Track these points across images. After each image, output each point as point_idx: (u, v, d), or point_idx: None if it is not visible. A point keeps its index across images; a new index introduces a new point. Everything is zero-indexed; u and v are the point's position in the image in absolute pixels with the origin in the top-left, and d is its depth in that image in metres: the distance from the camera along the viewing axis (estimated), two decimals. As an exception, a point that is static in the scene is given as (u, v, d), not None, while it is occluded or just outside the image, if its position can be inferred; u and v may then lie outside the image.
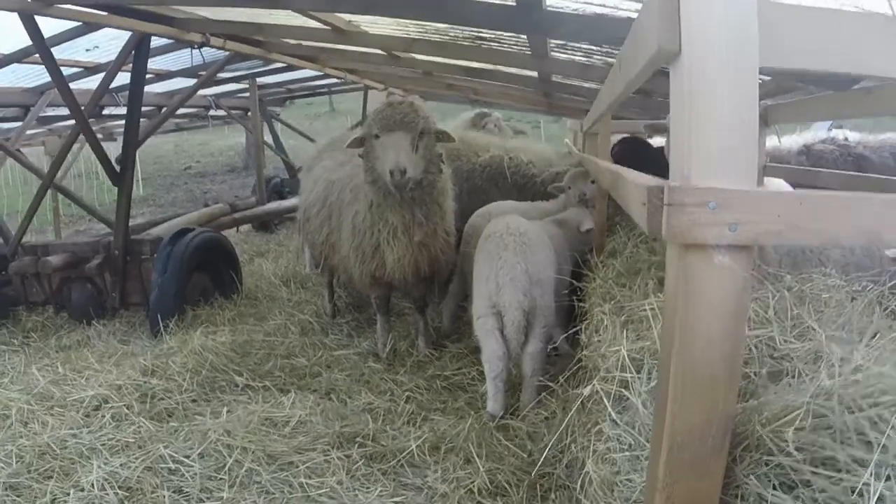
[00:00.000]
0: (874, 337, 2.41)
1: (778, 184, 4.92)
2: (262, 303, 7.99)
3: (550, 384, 4.82)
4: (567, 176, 6.67)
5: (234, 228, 11.86)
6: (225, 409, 5.03)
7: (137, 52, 7.43)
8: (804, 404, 1.86)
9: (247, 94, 13.75)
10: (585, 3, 4.40)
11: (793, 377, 2.35)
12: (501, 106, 15.24)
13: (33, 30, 6.61)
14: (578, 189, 6.39)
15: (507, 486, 3.99)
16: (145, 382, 5.48)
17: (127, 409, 5.09)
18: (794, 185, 5.23)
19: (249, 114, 14.75)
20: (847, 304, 2.87)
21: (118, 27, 6.85)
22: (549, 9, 4.29)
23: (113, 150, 19.01)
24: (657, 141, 8.12)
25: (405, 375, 5.69)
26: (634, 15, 4.43)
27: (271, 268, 9.71)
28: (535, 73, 7.58)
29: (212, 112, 15.06)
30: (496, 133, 10.81)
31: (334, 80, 13.67)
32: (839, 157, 7.83)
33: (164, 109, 13.72)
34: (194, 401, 5.31)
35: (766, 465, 1.96)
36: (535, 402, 4.86)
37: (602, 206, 5.82)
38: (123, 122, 13.82)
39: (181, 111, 13.76)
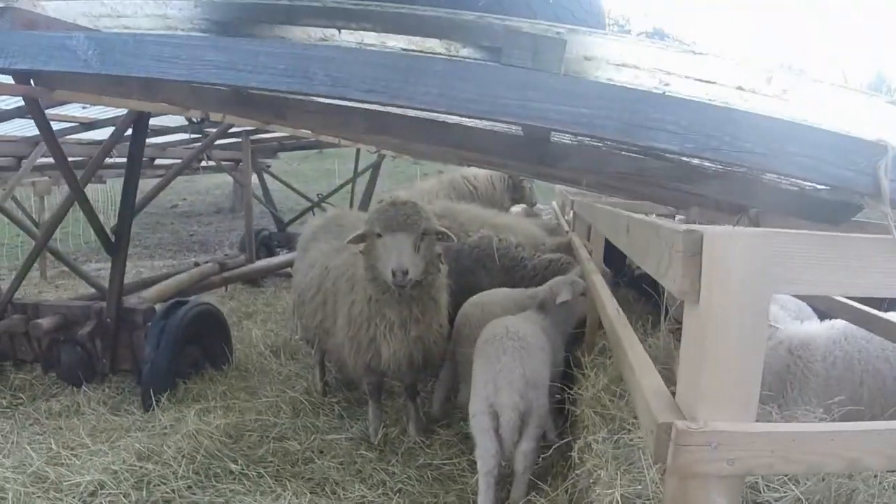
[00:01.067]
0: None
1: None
2: (252, 375, 8.06)
3: (539, 483, 4.99)
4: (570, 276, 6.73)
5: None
6: (222, 500, 5.12)
7: (136, 127, 7.54)
8: None
9: (237, 143, 13.90)
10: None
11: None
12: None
13: (36, 109, 6.73)
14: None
15: None
16: (140, 467, 5.52)
17: (124, 497, 5.13)
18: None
19: (240, 164, 14.89)
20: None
21: (117, 106, 6.98)
22: (555, 140, 4.45)
23: (101, 192, 19.18)
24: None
25: (397, 465, 5.76)
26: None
27: (260, 333, 9.76)
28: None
29: (203, 164, 15.17)
30: (529, 197, 11.13)
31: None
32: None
33: (161, 160, 13.89)
34: (189, 488, 5.35)
35: None
36: (525, 499, 4.99)
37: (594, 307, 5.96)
38: (113, 169, 14.00)
39: (171, 161, 13.82)
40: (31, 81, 5.82)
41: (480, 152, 5.52)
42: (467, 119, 4.74)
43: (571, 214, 8.72)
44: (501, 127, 4.72)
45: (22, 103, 8.26)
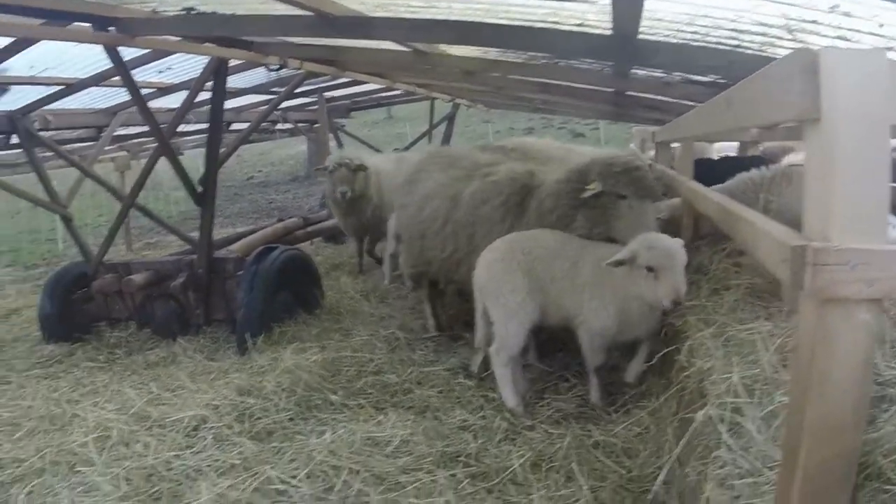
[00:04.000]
0: None
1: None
2: (345, 317, 8.11)
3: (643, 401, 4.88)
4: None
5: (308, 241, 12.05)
6: (326, 428, 5.13)
7: (216, 75, 7.54)
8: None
9: (311, 105, 13.94)
10: (677, 30, 4.42)
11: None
12: (567, 113, 15.21)
13: (117, 59, 6.73)
14: None
15: (611, 504, 4.01)
16: (242, 402, 5.60)
17: (227, 428, 5.21)
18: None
19: (315, 126, 14.94)
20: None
21: (199, 53, 7.00)
22: (642, 38, 4.29)
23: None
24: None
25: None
26: (726, 41, 4.45)
27: (349, 280, 9.94)
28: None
29: (279, 126, 15.28)
30: None
31: (399, 91, 13.76)
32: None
33: (237, 125, 14.04)
34: (292, 419, 5.40)
35: (886, 492, 2.06)
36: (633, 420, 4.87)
37: (688, 222, 5.83)
38: (190, 137, 14.23)
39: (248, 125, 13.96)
40: (112, 28, 5.86)
41: (567, 56, 5.37)
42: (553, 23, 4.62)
43: (654, 150, 8.53)
44: (587, 28, 4.59)
45: (98, 70, 8.38)
